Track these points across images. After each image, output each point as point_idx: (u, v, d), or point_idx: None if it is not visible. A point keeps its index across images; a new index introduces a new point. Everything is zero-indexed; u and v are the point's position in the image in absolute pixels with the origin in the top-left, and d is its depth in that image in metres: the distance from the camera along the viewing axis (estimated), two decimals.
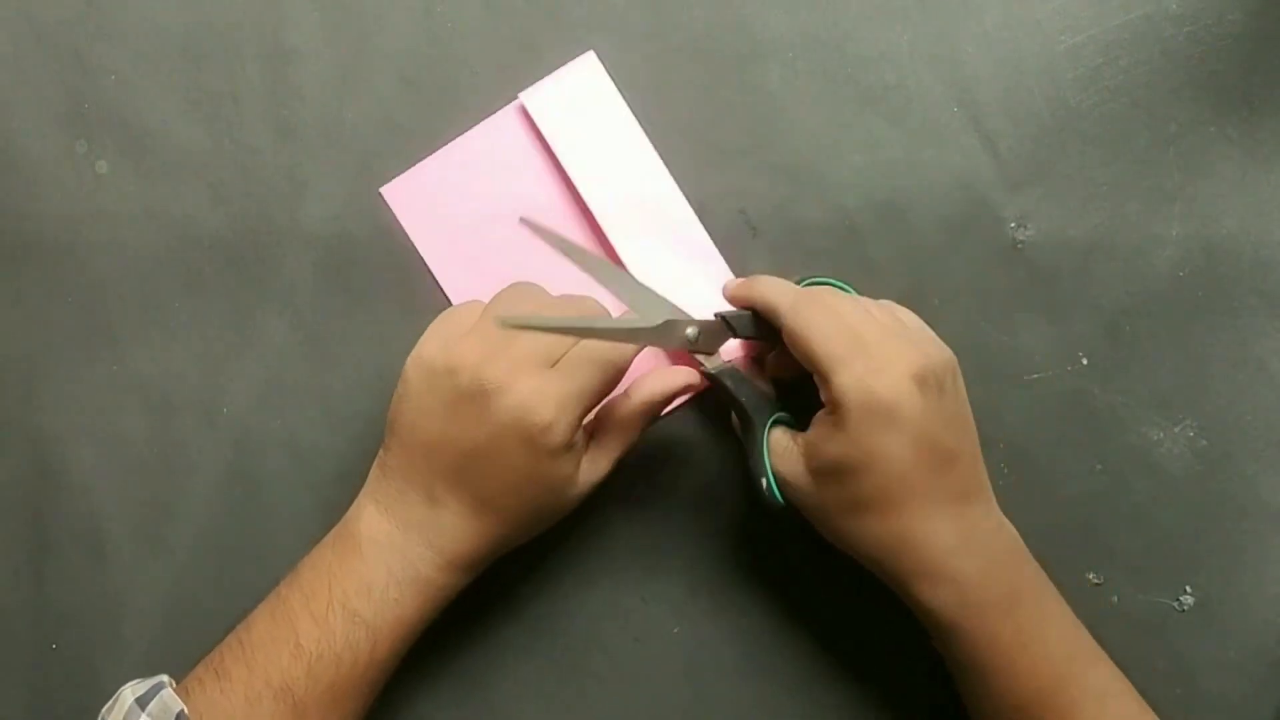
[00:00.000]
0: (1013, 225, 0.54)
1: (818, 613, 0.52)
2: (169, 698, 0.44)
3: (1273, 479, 0.52)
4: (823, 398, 0.45)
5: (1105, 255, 0.53)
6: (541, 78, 0.55)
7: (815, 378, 0.45)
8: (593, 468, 0.48)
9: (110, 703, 0.44)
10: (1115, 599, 0.52)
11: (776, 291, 0.47)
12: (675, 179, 0.54)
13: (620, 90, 0.55)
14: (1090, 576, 0.52)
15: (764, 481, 0.47)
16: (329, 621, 0.45)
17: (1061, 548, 0.52)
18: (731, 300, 0.50)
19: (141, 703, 0.43)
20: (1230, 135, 0.53)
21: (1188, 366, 0.52)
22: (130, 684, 0.45)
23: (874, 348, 0.43)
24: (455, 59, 0.56)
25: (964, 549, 0.44)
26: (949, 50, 0.54)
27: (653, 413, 0.49)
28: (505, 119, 0.55)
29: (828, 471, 0.45)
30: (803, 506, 0.47)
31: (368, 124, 0.56)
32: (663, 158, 0.55)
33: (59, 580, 0.56)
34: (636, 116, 0.55)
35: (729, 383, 0.49)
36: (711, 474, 0.53)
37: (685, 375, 0.49)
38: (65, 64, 0.57)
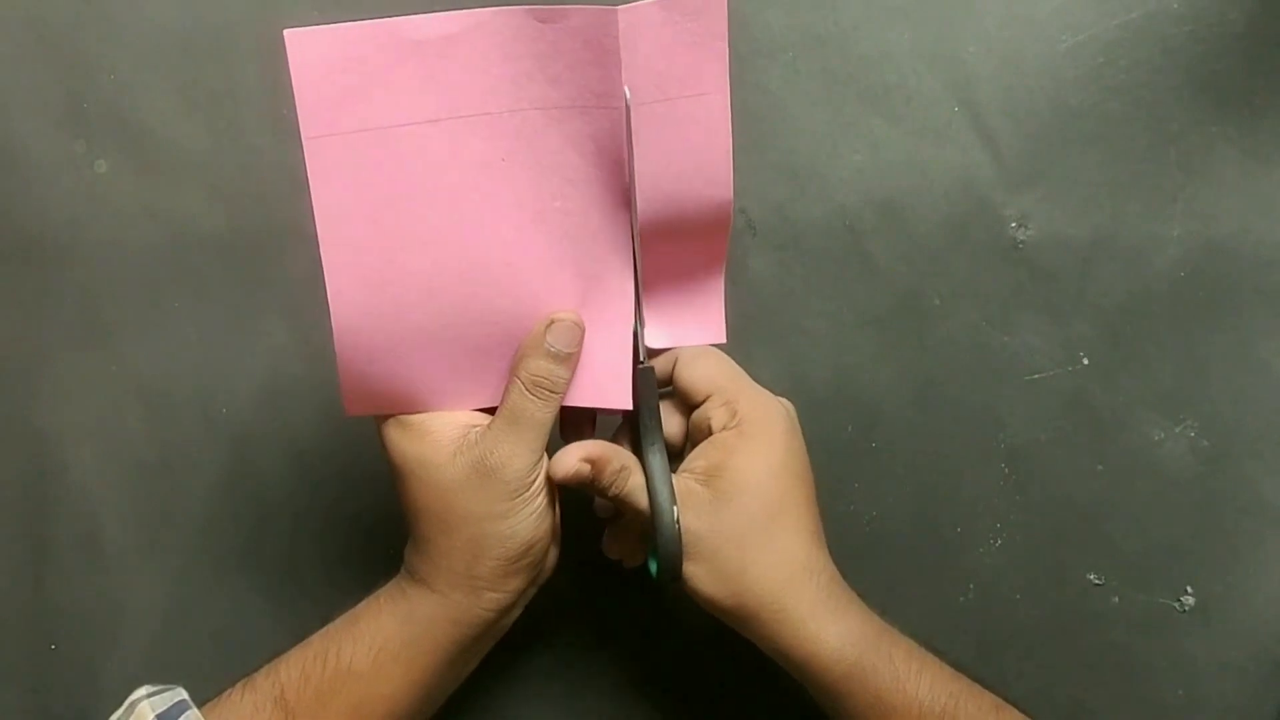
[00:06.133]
0: (1013, 225, 0.54)
1: None
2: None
3: (1273, 479, 0.52)
4: (718, 421, 0.45)
5: (1105, 255, 0.53)
6: None
7: (708, 405, 0.46)
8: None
9: (121, 711, 0.43)
10: (1115, 599, 0.52)
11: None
12: None
13: None
14: (1090, 576, 0.52)
15: (671, 514, 0.43)
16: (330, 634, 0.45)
17: (1061, 548, 0.52)
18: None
19: None
20: (1230, 135, 0.53)
21: (1188, 366, 0.52)
22: (144, 694, 0.44)
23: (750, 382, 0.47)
24: None
25: (840, 580, 0.45)
26: (949, 50, 0.54)
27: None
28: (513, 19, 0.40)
29: (738, 486, 0.44)
30: (700, 547, 0.43)
31: None
32: None
33: (59, 580, 0.56)
34: None
35: (643, 384, 0.45)
36: None
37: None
38: (65, 64, 0.57)
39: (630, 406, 0.45)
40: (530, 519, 0.44)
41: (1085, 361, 0.53)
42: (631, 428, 0.46)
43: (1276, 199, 0.52)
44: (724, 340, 0.47)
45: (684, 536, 0.43)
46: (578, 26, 0.39)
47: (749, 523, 0.43)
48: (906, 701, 0.42)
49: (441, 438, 0.44)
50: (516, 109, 0.41)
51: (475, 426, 0.44)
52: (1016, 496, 0.53)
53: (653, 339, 0.46)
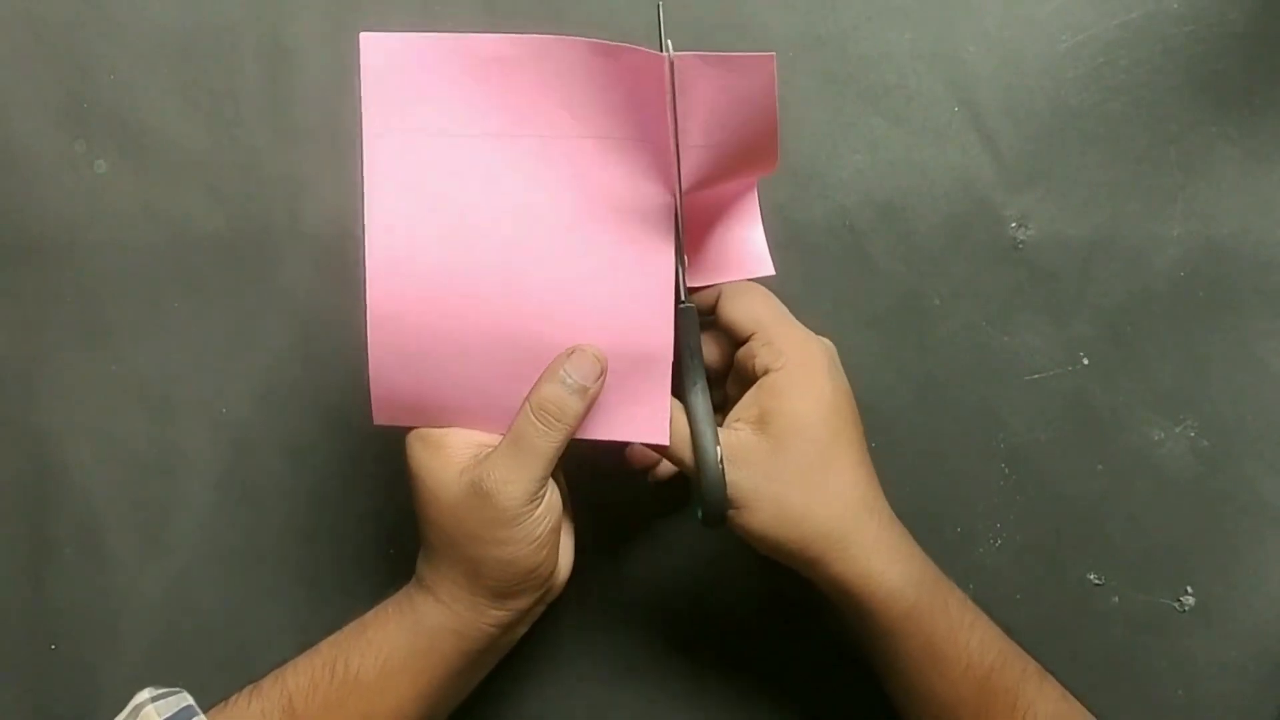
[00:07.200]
0: (1013, 225, 0.54)
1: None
2: None
3: (1273, 479, 0.52)
4: (762, 362, 0.45)
5: (1105, 255, 0.53)
6: None
7: (752, 343, 0.46)
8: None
9: (126, 714, 0.43)
10: (1115, 599, 0.52)
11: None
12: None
13: None
14: (1090, 576, 0.52)
15: (714, 455, 0.43)
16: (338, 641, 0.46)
17: (1061, 548, 0.53)
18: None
19: None
20: (1230, 135, 0.53)
21: (1188, 366, 0.52)
22: (149, 698, 0.43)
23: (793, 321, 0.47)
24: None
25: (896, 518, 0.46)
26: (949, 50, 0.54)
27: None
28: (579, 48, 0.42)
29: (793, 428, 0.44)
30: (752, 488, 0.43)
31: None
32: None
33: (59, 580, 0.56)
34: None
35: (684, 324, 0.45)
36: None
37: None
38: (65, 64, 0.57)
39: (666, 441, 0.44)
40: (527, 548, 0.43)
41: (1085, 361, 0.53)
42: (674, 369, 0.46)
43: (1276, 199, 0.52)
44: (772, 272, 0.48)
45: (742, 485, 0.43)
46: (632, 65, 0.40)
47: (807, 464, 0.44)
48: (957, 652, 0.43)
49: (454, 454, 0.44)
50: (573, 136, 0.42)
51: (487, 447, 0.44)
52: (1016, 496, 0.53)
53: (696, 279, 0.46)
